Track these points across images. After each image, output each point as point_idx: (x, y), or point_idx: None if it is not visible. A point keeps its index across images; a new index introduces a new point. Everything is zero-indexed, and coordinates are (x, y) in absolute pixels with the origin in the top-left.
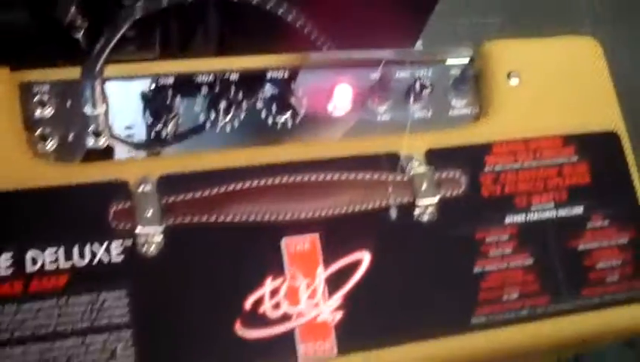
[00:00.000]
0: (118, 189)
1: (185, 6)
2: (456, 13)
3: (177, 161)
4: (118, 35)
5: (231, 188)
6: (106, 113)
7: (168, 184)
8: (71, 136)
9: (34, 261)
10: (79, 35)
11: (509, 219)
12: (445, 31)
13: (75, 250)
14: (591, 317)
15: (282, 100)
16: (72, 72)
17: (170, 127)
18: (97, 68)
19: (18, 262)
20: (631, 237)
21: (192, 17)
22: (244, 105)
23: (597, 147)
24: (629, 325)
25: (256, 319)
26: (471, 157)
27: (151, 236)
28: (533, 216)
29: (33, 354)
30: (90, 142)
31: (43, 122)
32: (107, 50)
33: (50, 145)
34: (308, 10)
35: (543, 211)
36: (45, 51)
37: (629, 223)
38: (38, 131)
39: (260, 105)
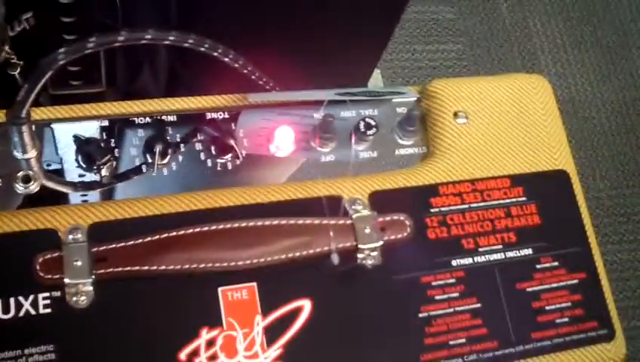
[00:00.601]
0: (47, 238)
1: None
2: (414, 41)
3: (111, 207)
4: (42, 82)
5: (164, 235)
6: (38, 157)
7: (100, 232)
8: (1, 182)
9: None
10: (15, 73)
11: (456, 262)
12: (403, 57)
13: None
14: (542, 361)
15: (222, 142)
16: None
17: (105, 170)
18: (23, 113)
19: None
20: (580, 278)
21: (139, 53)
22: (182, 147)
23: (546, 187)
24: None
25: None
26: (417, 200)
27: (81, 287)
28: (481, 259)
29: None
30: (20, 188)
31: None
32: (32, 96)
33: None
34: (257, 50)
35: (491, 253)
36: None
37: (579, 264)
38: None
39: (199, 146)
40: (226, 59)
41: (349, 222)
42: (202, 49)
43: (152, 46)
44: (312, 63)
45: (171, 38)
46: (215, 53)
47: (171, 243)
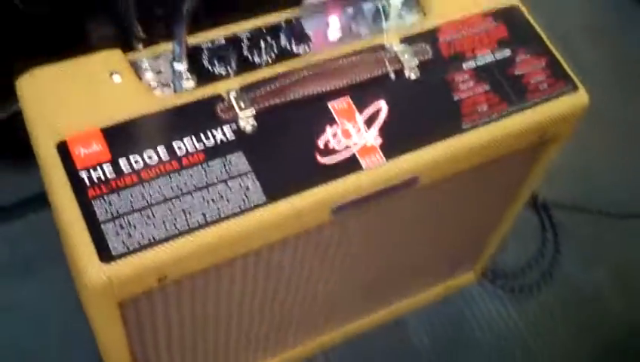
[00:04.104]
0: (218, 98)
1: None
2: None
3: (247, 76)
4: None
5: (288, 80)
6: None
7: (248, 89)
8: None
9: (179, 148)
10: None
11: (465, 66)
12: None
13: (202, 136)
14: (537, 110)
15: (300, 35)
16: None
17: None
18: (183, 22)
19: (169, 150)
20: (546, 61)
21: None
22: (274, 43)
23: (506, 14)
24: (560, 112)
25: (329, 151)
26: (429, 36)
27: (246, 118)
28: (480, 61)
29: (197, 198)
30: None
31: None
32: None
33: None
34: None
35: (484, 57)
36: None
37: (542, 53)
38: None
39: (284, 42)
40: None
41: (394, 54)
42: None
43: None
44: None
45: None
46: None
47: (294, 83)
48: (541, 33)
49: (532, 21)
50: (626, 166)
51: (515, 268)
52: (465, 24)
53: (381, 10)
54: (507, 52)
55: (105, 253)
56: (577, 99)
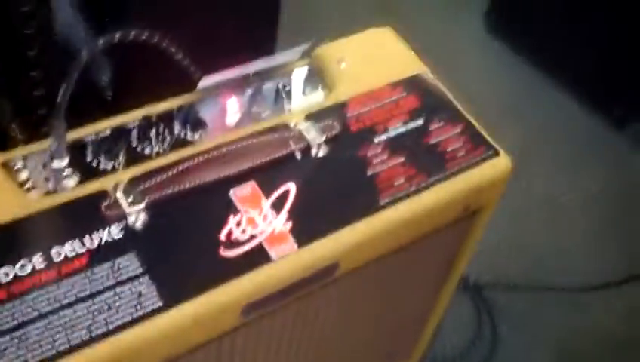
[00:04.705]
0: (103, 194)
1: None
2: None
3: (137, 168)
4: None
5: (182, 167)
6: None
7: (137, 181)
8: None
9: (58, 254)
10: None
11: (377, 139)
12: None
13: (84, 239)
14: (458, 179)
15: (195, 121)
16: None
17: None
18: (62, 116)
19: (46, 258)
20: (462, 128)
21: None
22: (167, 131)
23: (415, 83)
24: (483, 179)
25: (233, 243)
26: (336, 112)
27: (136, 213)
28: (392, 133)
29: (80, 311)
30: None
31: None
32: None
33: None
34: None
35: (396, 128)
36: None
37: (457, 120)
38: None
39: (177, 130)
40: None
41: (298, 133)
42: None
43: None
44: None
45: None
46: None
47: (190, 170)
48: (453, 100)
49: (443, 88)
50: (557, 237)
51: (455, 357)
52: (372, 97)
53: (281, 89)
54: (420, 121)
55: None
56: (499, 164)
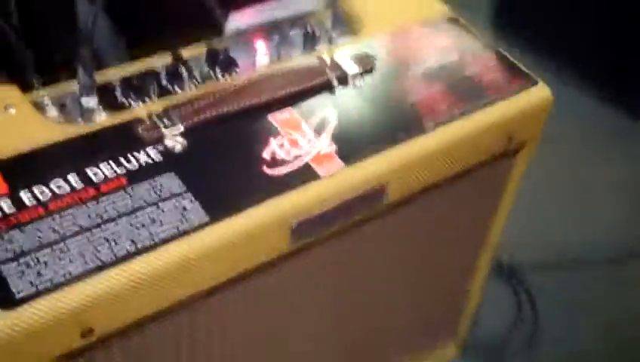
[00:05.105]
0: (138, 121)
1: None
2: None
3: (171, 99)
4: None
5: (219, 95)
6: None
7: (173, 109)
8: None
9: (95, 175)
10: None
11: (413, 71)
12: None
13: (122, 160)
14: (500, 106)
15: (226, 62)
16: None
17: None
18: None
19: (83, 178)
20: (497, 60)
21: None
22: (197, 72)
23: (442, 23)
24: (525, 107)
25: (277, 162)
26: (370, 48)
27: (174, 138)
28: (427, 65)
29: (123, 225)
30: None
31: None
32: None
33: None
34: None
35: (431, 62)
36: None
37: (491, 53)
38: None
39: (208, 70)
40: None
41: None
42: None
43: None
44: None
45: None
46: None
47: (226, 98)
48: (485, 38)
49: (471, 27)
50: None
51: (496, 340)
52: (402, 35)
53: (310, 33)
54: (454, 55)
55: (5, 298)
56: (539, 92)
